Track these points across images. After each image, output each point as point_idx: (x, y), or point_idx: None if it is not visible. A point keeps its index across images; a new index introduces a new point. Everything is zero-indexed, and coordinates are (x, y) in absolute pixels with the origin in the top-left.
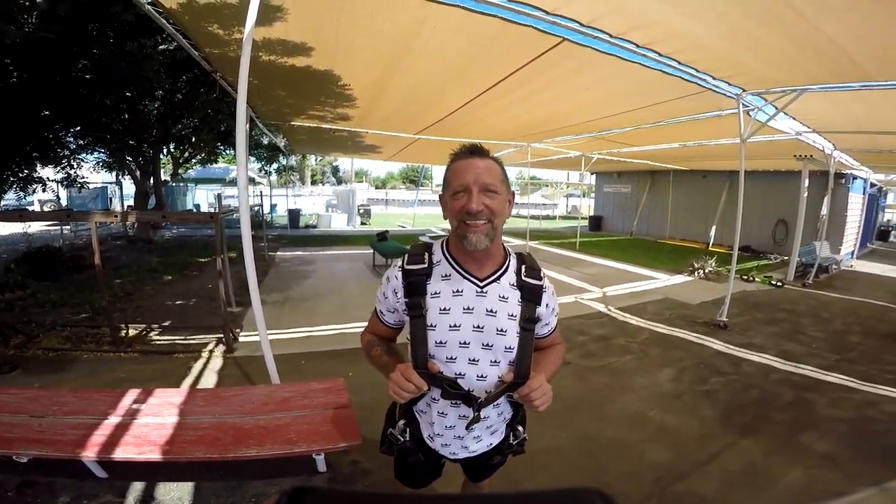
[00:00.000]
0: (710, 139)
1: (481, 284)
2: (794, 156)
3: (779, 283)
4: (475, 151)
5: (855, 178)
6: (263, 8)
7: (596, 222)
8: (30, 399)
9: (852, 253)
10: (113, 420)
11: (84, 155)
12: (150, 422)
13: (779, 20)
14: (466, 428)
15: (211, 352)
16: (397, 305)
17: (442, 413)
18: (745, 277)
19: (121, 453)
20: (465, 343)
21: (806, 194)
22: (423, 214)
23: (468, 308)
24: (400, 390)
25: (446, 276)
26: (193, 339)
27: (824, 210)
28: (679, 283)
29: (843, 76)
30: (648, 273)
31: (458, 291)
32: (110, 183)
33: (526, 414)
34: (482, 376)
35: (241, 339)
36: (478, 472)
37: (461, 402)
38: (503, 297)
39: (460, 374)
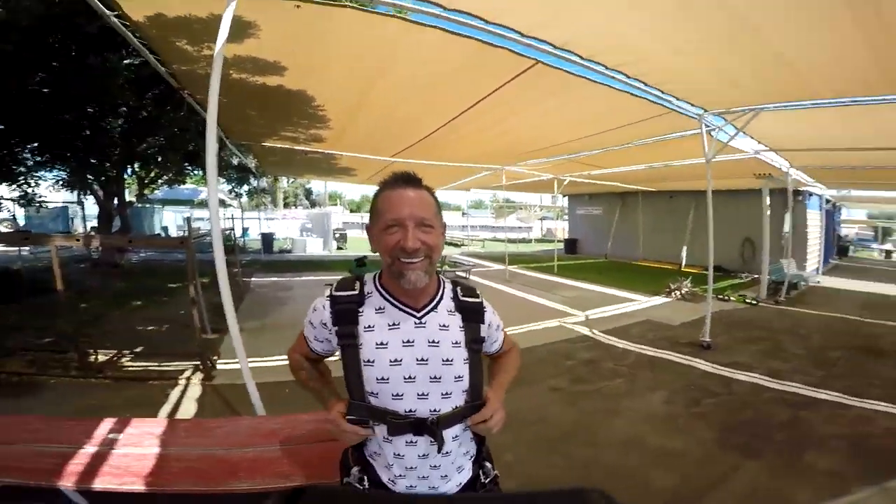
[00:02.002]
0: (676, 160)
1: (419, 315)
2: (755, 174)
3: (754, 302)
4: (408, 180)
5: (811, 194)
6: (235, 24)
7: (571, 245)
8: None
9: (817, 269)
10: (89, 449)
11: (42, 172)
12: (130, 452)
13: (735, 40)
14: (439, 451)
15: (188, 379)
16: (328, 336)
17: (398, 455)
18: (721, 297)
19: (99, 483)
20: (410, 378)
21: (769, 212)
22: None
23: (408, 341)
24: (343, 437)
25: (380, 308)
26: (169, 366)
27: (786, 227)
28: (658, 304)
29: (795, 95)
30: (628, 295)
31: (394, 325)
32: (71, 203)
33: (490, 451)
34: (434, 410)
35: (219, 366)
36: None
37: (414, 435)
38: (444, 326)
39: (410, 410)
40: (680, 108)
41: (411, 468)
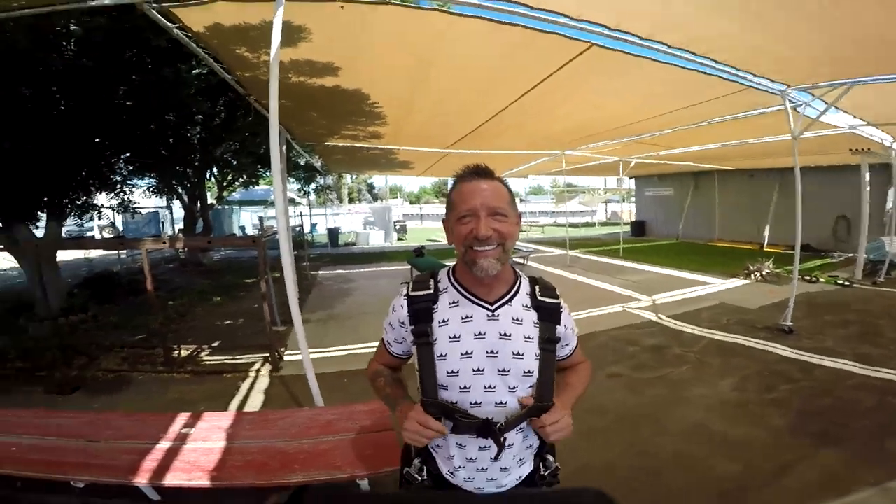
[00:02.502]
0: (756, 137)
1: (492, 308)
2: (850, 150)
3: (846, 283)
4: (480, 173)
5: None
6: (287, 29)
7: (639, 227)
8: (85, 423)
9: None
10: (164, 445)
11: (135, 181)
12: (199, 447)
13: (822, 17)
14: (495, 458)
15: (258, 371)
16: (405, 335)
17: (460, 445)
18: (808, 278)
19: (171, 479)
20: (479, 370)
21: (868, 188)
22: None
23: (479, 333)
24: (419, 438)
25: (454, 302)
26: (241, 358)
27: (890, 204)
28: (734, 287)
29: (894, 67)
30: (700, 278)
31: (467, 317)
32: (162, 207)
33: (554, 444)
34: (501, 403)
35: (286, 357)
36: None
37: (477, 433)
38: (517, 320)
39: (476, 402)
40: (758, 85)
41: (471, 459)
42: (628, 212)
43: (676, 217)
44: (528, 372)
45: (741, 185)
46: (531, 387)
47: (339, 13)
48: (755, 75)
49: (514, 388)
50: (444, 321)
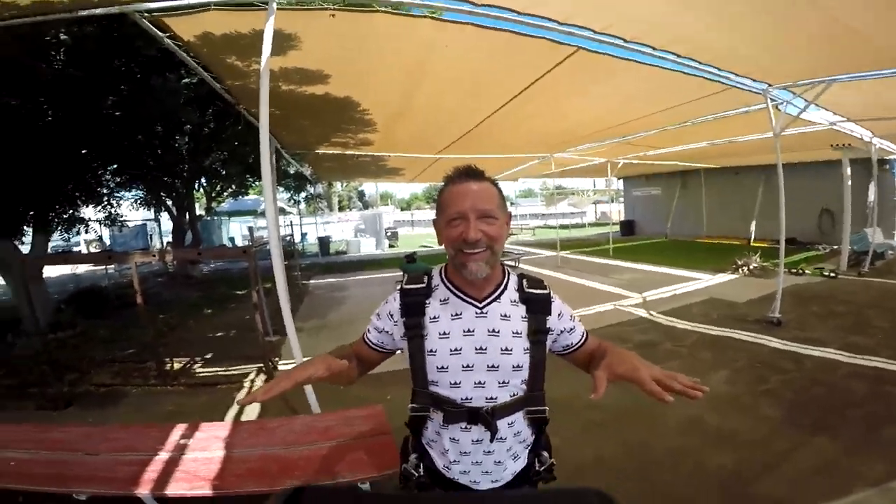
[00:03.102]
0: (740, 136)
1: (481, 305)
2: (831, 145)
3: (832, 274)
4: (470, 174)
5: None
6: (278, 38)
7: (628, 227)
8: (83, 436)
9: None
10: (163, 455)
11: (122, 193)
12: (199, 456)
13: (799, 18)
14: (491, 440)
15: (252, 381)
16: (392, 329)
17: (454, 439)
18: (795, 271)
19: (173, 489)
20: (468, 366)
21: (850, 182)
22: None
23: (468, 330)
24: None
25: (444, 300)
26: (235, 369)
27: (871, 196)
28: (723, 281)
29: (872, 64)
30: (689, 274)
31: (456, 314)
32: (149, 220)
33: (549, 440)
34: (491, 398)
35: (280, 367)
36: None
37: (468, 423)
38: (505, 316)
39: (467, 398)
40: (741, 84)
41: (465, 453)
42: (617, 212)
43: (664, 215)
44: (518, 366)
45: (727, 182)
46: (523, 381)
47: (330, 21)
48: (737, 75)
49: (505, 382)
50: (435, 317)
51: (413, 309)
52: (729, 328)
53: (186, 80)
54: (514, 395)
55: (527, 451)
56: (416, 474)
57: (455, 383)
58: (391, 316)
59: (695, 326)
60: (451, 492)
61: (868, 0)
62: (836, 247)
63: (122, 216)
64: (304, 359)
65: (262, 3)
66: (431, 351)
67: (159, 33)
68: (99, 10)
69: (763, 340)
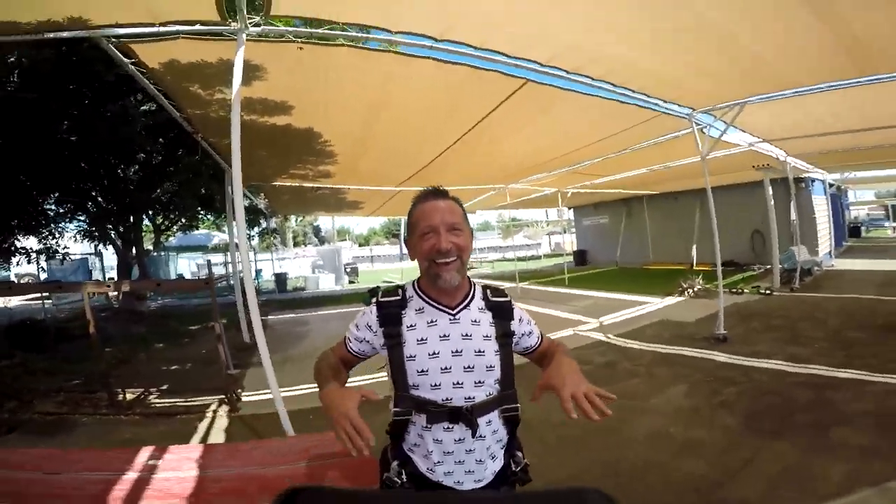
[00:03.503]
0: (674, 160)
1: (454, 312)
2: (753, 166)
3: (767, 291)
4: (437, 193)
5: (814, 180)
6: (244, 68)
7: (581, 256)
8: (42, 457)
9: (830, 253)
10: (131, 475)
11: (64, 224)
12: (171, 476)
13: (711, 43)
14: (473, 437)
15: (215, 412)
16: (372, 338)
17: (437, 440)
18: (734, 290)
19: None
20: (446, 368)
21: (772, 202)
22: (411, 267)
23: (444, 335)
24: (346, 440)
25: (420, 309)
26: (195, 400)
27: (793, 215)
28: (672, 304)
29: (775, 86)
30: (641, 299)
31: (432, 322)
32: (90, 254)
33: (521, 442)
34: (469, 398)
35: (243, 398)
36: None
37: (450, 422)
38: (475, 321)
39: (447, 399)
40: (669, 110)
41: (448, 453)
42: (570, 242)
43: (614, 244)
44: (491, 367)
45: (668, 208)
46: (496, 381)
47: (296, 54)
48: (665, 101)
49: (481, 382)
50: (412, 326)
51: (390, 319)
52: (680, 346)
53: (145, 108)
54: (489, 394)
55: (503, 451)
56: (399, 481)
57: (435, 385)
58: (369, 327)
59: (649, 346)
60: (453, 491)
61: (766, 26)
62: (768, 266)
63: (63, 248)
64: (280, 389)
65: (232, 34)
66: (411, 356)
67: (124, 59)
68: (66, 34)
69: (712, 356)
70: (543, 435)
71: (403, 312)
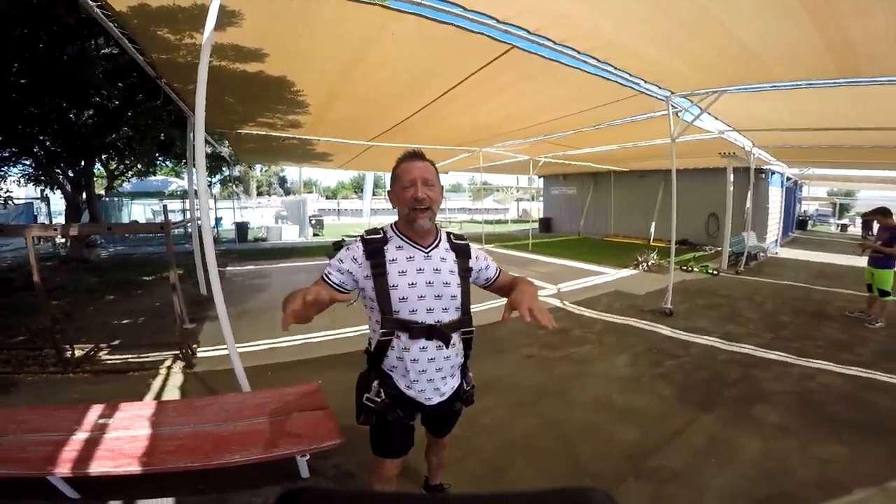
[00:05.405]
0: (645, 140)
1: (427, 250)
2: (720, 153)
3: (714, 272)
4: (417, 155)
5: (773, 173)
6: (220, 13)
7: (546, 224)
8: None
9: (777, 241)
10: (81, 436)
11: (6, 168)
12: (122, 435)
13: (700, 28)
14: (446, 346)
15: (169, 368)
16: (356, 270)
17: (414, 360)
18: (685, 268)
19: (96, 468)
20: (421, 297)
21: (732, 189)
22: (378, 223)
23: (420, 269)
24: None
25: (399, 247)
26: (148, 356)
27: (749, 203)
28: (626, 276)
29: (756, 78)
30: (598, 269)
31: (410, 258)
32: (35, 199)
33: (469, 368)
34: (438, 321)
35: (199, 354)
36: (441, 425)
37: (426, 340)
38: (443, 259)
39: (422, 322)
40: (648, 91)
41: (423, 371)
42: (537, 210)
43: (578, 214)
44: (454, 296)
45: (633, 185)
46: (457, 308)
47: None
48: (646, 81)
49: (447, 308)
50: (393, 259)
51: (375, 253)
52: (630, 317)
53: (105, 51)
54: (453, 318)
55: (459, 371)
56: (380, 399)
57: (413, 310)
58: (355, 259)
59: (601, 315)
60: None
61: (757, 17)
62: (719, 248)
63: (6, 192)
64: (237, 344)
65: None
66: (394, 286)
67: (90, 2)
68: None
69: (657, 328)
70: (505, 397)
71: (386, 248)
